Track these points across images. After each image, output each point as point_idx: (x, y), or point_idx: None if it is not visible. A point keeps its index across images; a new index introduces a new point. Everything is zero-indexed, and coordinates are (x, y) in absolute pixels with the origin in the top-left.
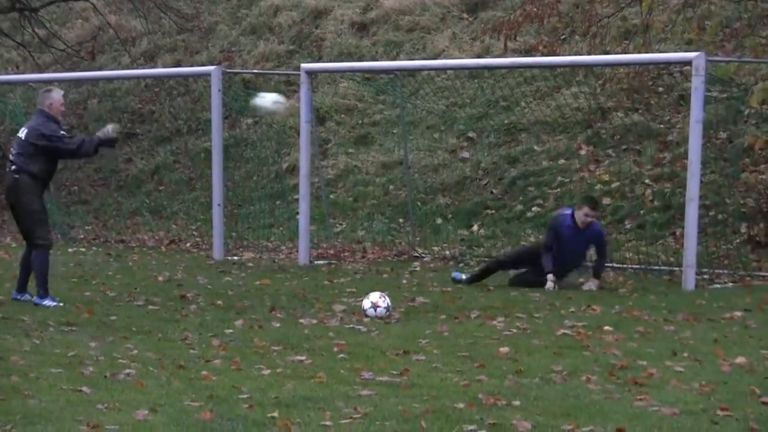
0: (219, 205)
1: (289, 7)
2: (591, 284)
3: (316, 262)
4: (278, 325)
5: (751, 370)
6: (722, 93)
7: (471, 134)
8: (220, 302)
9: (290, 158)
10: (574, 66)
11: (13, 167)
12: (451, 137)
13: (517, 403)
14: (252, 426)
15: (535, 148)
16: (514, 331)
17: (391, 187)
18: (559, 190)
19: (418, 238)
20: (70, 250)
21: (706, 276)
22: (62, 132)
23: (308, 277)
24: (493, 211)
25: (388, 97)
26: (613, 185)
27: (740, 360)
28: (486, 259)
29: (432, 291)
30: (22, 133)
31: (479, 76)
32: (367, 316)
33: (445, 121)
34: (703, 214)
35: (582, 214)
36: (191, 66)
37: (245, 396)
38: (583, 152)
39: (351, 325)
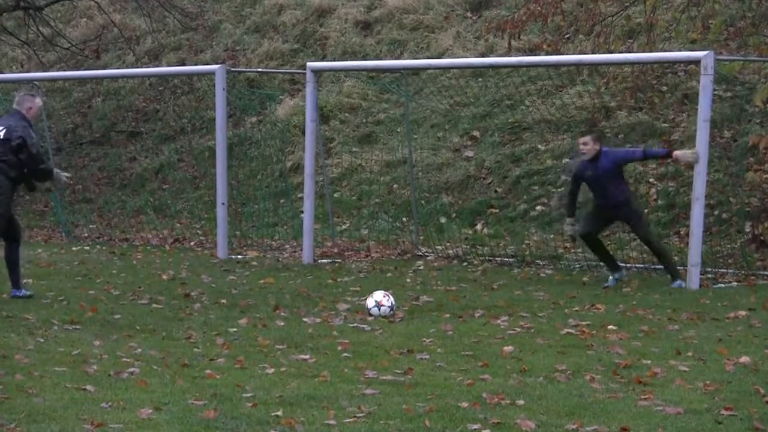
0: (223, 203)
1: (293, 6)
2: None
3: (320, 261)
4: (282, 323)
5: (756, 370)
6: (727, 92)
7: (475, 133)
8: (224, 301)
9: (294, 157)
10: (578, 65)
11: None
12: (455, 136)
13: (521, 402)
14: (256, 424)
15: (539, 146)
16: (518, 330)
17: (395, 185)
18: (563, 189)
19: (421, 237)
20: (74, 248)
21: (710, 275)
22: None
23: (312, 275)
24: (497, 210)
25: (392, 96)
26: None
27: (744, 359)
28: (489, 258)
29: (436, 290)
30: (1, 132)
31: (483, 74)
32: (371, 314)
33: (449, 119)
34: (707, 213)
35: (579, 144)
36: (195, 65)
37: (249, 395)
38: None
39: (355, 324)
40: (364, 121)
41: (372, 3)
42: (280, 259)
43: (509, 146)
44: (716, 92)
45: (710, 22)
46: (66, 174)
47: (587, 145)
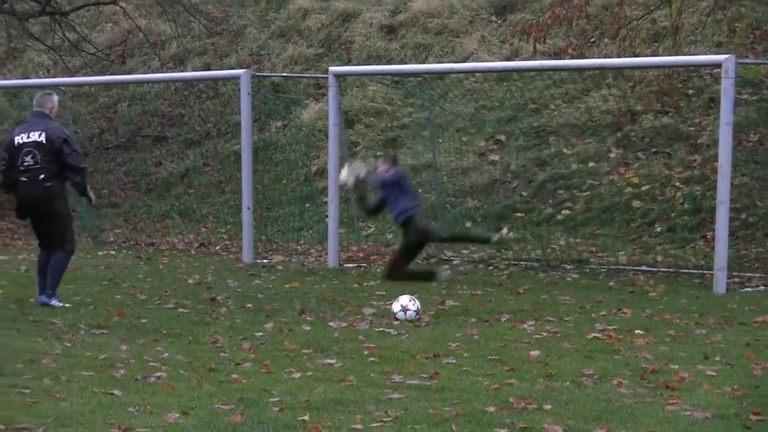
0: (248, 208)
1: (317, 11)
2: None
3: (345, 265)
4: (308, 328)
5: None
6: (753, 95)
7: (500, 137)
8: (249, 305)
9: (319, 161)
10: (603, 69)
11: (42, 176)
12: (480, 140)
13: (548, 406)
14: (282, 429)
15: (565, 150)
16: (545, 334)
17: (420, 190)
18: (588, 193)
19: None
20: (100, 253)
21: (737, 279)
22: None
23: (338, 280)
24: (523, 214)
25: (417, 100)
26: (643, 188)
27: None
28: (515, 262)
29: (462, 294)
30: (39, 136)
31: (508, 78)
32: (396, 319)
33: (474, 123)
34: (733, 217)
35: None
36: (220, 69)
37: (276, 399)
38: (612, 155)
39: (381, 329)
40: (389, 125)
41: (397, 7)
42: (305, 264)
43: (534, 150)
44: (742, 96)
45: (736, 25)
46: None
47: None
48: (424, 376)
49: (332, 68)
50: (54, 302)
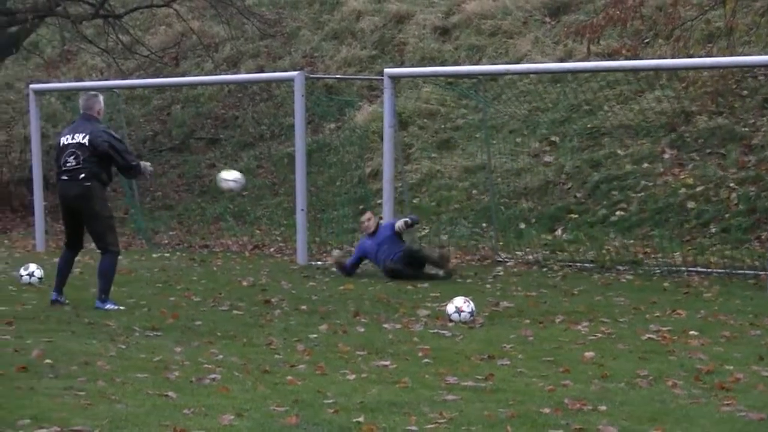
0: (302, 210)
1: (371, 12)
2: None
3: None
4: (362, 329)
5: None
6: None
7: (554, 138)
8: (304, 307)
9: (373, 163)
10: (656, 69)
11: (82, 175)
12: (534, 141)
13: (602, 408)
14: (337, 431)
15: (619, 152)
16: (599, 335)
17: (473, 191)
18: (642, 194)
19: (501, 243)
20: (154, 255)
21: None
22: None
23: (392, 281)
24: (577, 216)
25: (471, 102)
26: (698, 189)
27: None
28: (569, 263)
29: (516, 295)
30: (83, 138)
31: (562, 79)
32: (451, 320)
33: (528, 125)
34: None
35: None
36: (274, 71)
37: (330, 401)
38: (666, 156)
39: (435, 330)
40: (443, 126)
41: (450, 9)
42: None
43: (588, 151)
44: None
45: None
46: (149, 165)
47: (370, 220)
48: (479, 377)
49: (387, 70)
50: (108, 306)
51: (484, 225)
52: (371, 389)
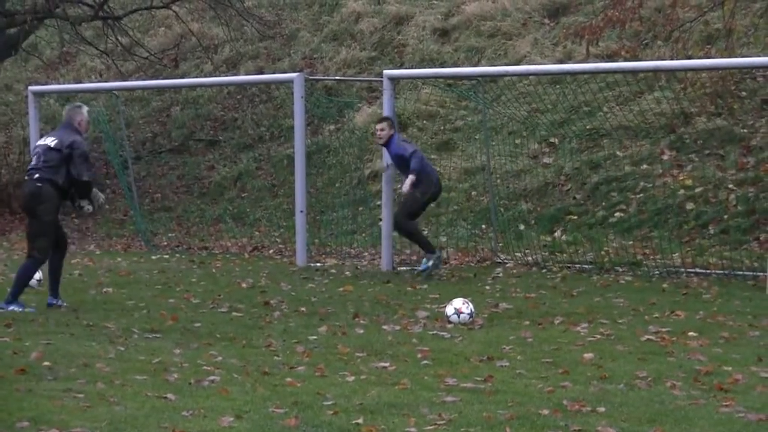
0: (302, 211)
1: (370, 14)
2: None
3: (398, 269)
4: (361, 331)
5: None
6: None
7: (553, 140)
8: (303, 309)
9: (372, 164)
10: (655, 71)
11: (37, 175)
12: (533, 143)
13: (601, 409)
14: None
15: (618, 153)
16: (598, 337)
17: (473, 192)
18: (641, 195)
19: (500, 244)
20: (153, 257)
21: None
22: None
23: (391, 283)
24: (576, 217)
25: (470, 103)
26: (697, 190)
27: None
28: (568, 264)
29: (515, 297)
30: (51, 142)
31: (561, 81)
32: (450, 322)
33: (527, 126)
34: None
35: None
36: (273, 73)
37: (330, 402)
38: (665, 157)
39: (434, 332)
40: (442, 128)
41: (449, 10)
42: (358, 267)
43: (587, 153)
44: None
45: None
46: (102, 196)
47: (383, 131)
48: (478, 379)
49: (387, 71)
50: (12, 307)
51: (483, 226)
52: (370, 391)
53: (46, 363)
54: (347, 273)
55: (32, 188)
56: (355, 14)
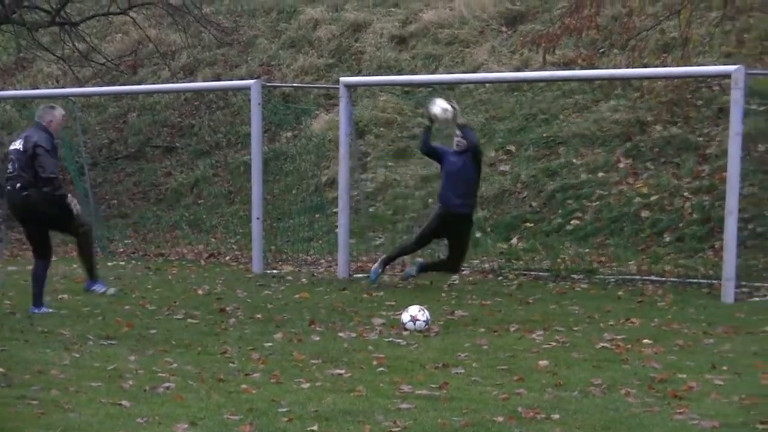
0: (258, 218)
1: (328, 21)
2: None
3: (355, 276)
4: (317, 338)
5: None
6: (761, 105)
7: (510, 147)
8: (259, 316)
9: (329, 171)
10: (612, 79)
11: (18, 185)
12: (491, 150)
13: (556, 416)
14: None
15: (574, 161)
16: (553, 344)
17: (430, 200)
18: (598, 203)
19: None
20: (109, 263)
21: (745, 289)
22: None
23: (347, 290)
24: (532, 225)
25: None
26: (652, 198)
27: None
28: (525, 272)
29: (471, 304)
30: (19, 144)
31: (518, 89)
32: (406, 329)
33: (485, 134)
34: (742, 227)
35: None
36: (231, 80)
37: (285, 409)
38: (621, 165)
39: (390, 339)
40: (400, 135)
41: (407, 18)
42: (315, 274)
43: (544, 160)
44: (751, 106)
45: (745, 36)
46: (77, 206)
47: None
48: (433, 386)
49: (343, 79)
50: (44, 309)
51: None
52: (326, 398)
53: (0, 370)
54: (303, 280)
55: (20, 200)
56: (312, 21)
